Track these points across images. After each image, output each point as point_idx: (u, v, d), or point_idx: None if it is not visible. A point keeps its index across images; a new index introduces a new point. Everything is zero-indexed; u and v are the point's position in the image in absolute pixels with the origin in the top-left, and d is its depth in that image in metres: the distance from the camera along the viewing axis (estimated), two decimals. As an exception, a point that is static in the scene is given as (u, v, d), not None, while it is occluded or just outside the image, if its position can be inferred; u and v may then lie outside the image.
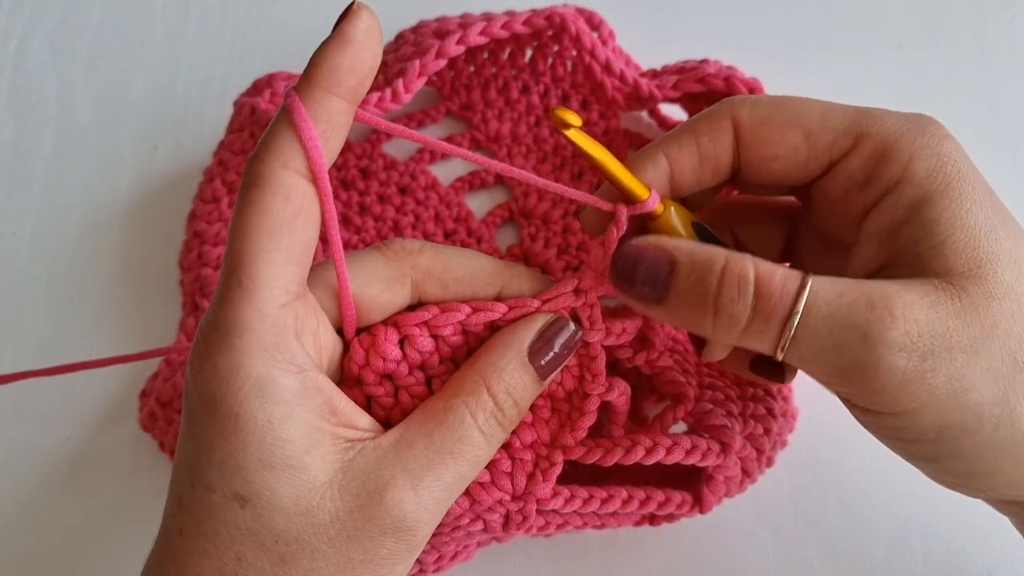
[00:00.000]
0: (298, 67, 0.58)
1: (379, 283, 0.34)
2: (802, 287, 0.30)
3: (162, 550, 0.31)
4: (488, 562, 0.46)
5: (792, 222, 0.40)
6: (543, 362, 0.34)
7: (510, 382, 0.33)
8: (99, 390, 0.52)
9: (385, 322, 0.34)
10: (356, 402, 0.34)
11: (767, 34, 0.61)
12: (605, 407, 0.39)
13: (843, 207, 0.34)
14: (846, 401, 0.34)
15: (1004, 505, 0.36)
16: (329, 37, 0.29)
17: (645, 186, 0.34)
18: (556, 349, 0.34)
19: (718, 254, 0.32)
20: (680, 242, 0.33)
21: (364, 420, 0.33)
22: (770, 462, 0.44)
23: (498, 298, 0.36)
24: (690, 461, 0.39)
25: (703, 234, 0.36)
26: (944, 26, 0.61)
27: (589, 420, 0.37)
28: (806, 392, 0.47)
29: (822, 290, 0.30)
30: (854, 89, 0.60)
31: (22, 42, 0.62)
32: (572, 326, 0.35)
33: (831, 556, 0.47)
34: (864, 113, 0.33)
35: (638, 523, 0.44)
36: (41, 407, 0.51)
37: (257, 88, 0.56)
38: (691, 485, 0.42)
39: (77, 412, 0.51)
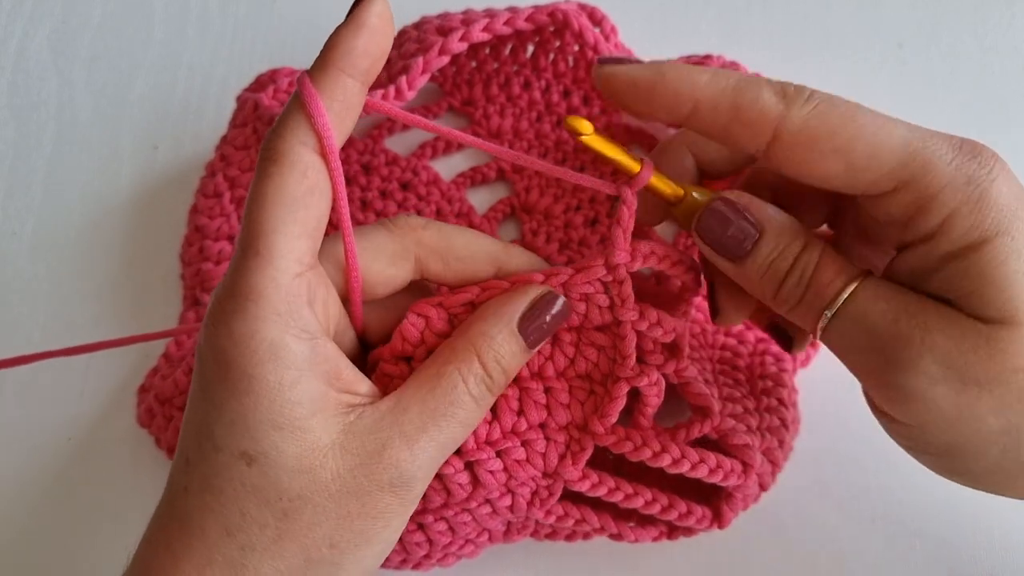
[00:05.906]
0: (299, 66, 0.58)
1: (384, 258, 0.36)
2: (844, 287, 0.32)
3: (166, 510, 0.32)
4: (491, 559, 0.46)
5: (836, 204, 0.39)
6: (532, 332, 0.35)
7: (499, 351, 0.35)
8: (100, 390, 0.51)
9: (430, 303, 0.36)
10: (392, 375, 0.36)
11: (768, 33, 0.61)
12: (636, 399, 0.39)
13: (878, 229, 0.34)
14: (867, 397, 0.35)
15: None
16: (344, 22, 0.31)
17: (638, 161, 0.34)
18: (546, 320, 0.36)
19: (800, 234, 0.34)
20: (772, 211, 0.34)
21: (364, 386, 0.34)
22: (780, 469, 0.44)
23: (498, 276, 0.37)
24: (712, 480, 0.40)
25: None
26: (944, 26, 0.61)
27: (618, 405, 0.38)
28: (805, 395, 0.48)
29: (866, 293, 0.32)
30: (854, 89, 0.59)
31: (22, 42, 0.62)
32: (562, 300, 0.36)
33: (831, 556, 0.47)
34: (914, 155, 0.31)
35: (656, 538, 0.44)
36: (42, 405, 0.51)
37: (260, 83, 0.56)
38: (707, 499, 0.43)
39: (78, 411, 0.51)
